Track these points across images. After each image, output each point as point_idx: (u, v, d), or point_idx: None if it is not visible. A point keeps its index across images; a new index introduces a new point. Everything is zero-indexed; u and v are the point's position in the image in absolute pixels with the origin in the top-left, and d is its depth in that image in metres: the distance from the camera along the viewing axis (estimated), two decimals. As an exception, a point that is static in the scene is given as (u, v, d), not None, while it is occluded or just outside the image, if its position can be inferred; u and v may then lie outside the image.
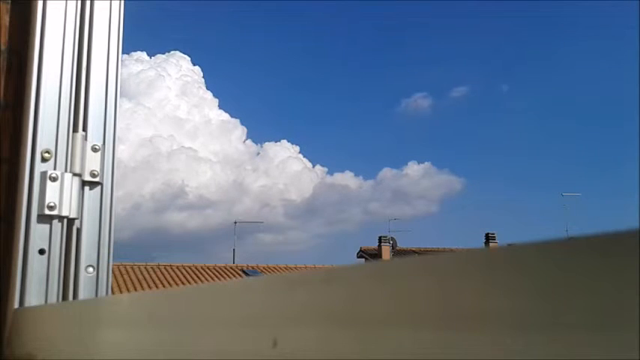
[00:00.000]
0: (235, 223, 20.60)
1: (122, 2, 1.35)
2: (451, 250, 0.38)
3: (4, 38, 1.28)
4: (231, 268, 17.59)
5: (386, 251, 19.85)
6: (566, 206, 19.78)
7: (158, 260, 17.13)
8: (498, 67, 31.90)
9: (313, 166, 31.22)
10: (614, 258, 0.26)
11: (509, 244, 0.32)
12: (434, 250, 17.28)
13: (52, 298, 1.15)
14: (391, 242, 20.34)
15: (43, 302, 1.13)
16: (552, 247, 0.29)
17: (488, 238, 19.96)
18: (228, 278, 15.09)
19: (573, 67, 30.81)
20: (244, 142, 31.53)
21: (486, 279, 0.32)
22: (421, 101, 32.23)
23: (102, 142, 1.26)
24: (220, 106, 31.01)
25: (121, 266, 15.68)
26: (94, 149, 1.25)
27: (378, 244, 20.55)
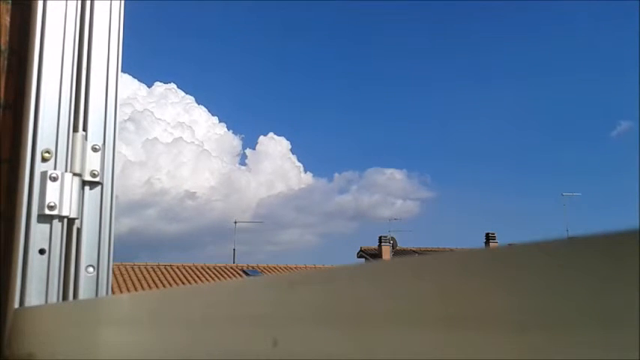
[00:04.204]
0: (235, 223, 20.63)
1: (122, 2, 1.35)
2: (451, 250, 0.37)
3: (4, 38, 1.28)
4: (231, 268, 17.59)
5: (386, 251, 19.86)
6: (566, 206, 19.82)
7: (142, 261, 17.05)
8: (493, 66, 31.87)
9: (306, 166, 31.30)
10: (614, 258, 0.26)
11: (509, 244, 0.32)
12: (434, 250, 17.28)
13: (52, 298, 1.15)
14: (391, 242, 20.35)
15: (43, 302, 1.13)
16: (552, 247, 0.29)
17: (489, 238, 19.97)
18: (228, 278, 15.09)
19: (572, 65, 30.85)
20: (236, 138, 31.60)
21: (486, 279, 0.32)
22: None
23: (102, 142, 1.26)
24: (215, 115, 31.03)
25: (121, 266, 15.69)
26: (94, 149, 1.25)
27: (378, 244, 20.56)
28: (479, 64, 32.42)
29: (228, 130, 31.54)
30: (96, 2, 1.32)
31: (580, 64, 31.07)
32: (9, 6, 1.30)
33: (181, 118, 29.42)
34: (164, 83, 30.38)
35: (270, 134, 31.45)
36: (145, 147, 27.63)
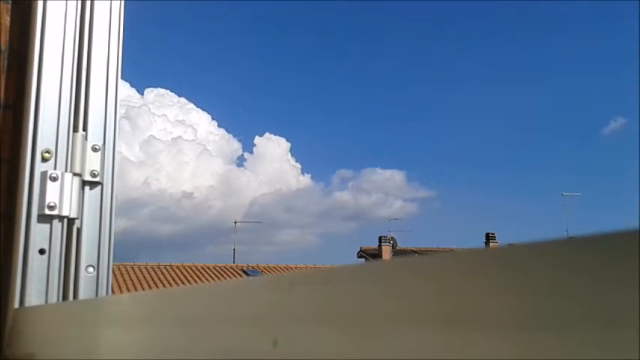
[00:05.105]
0: (235, 223, 20.63)
1: (122, 2, 1.35)
2: (451, 250, 0.37)
3: (4, 38, 1.28)
4: (231, 268, 17.60)
5: (386, 251, 19.86)
6: (566, 206, 19.85)
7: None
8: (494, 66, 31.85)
9: (305, 167, 31.28)
10: (614, 258, 0.26)
11: (509, 244, 0.32)
12: (434, 250, 17.29)
13: (52, 298, 1.15)
14: (391, 242, 20.35)
15: (43, 302, 1.13)
16: (552, 247, 0.29)
17: (489, 238, 19.98)
18: (228, 278, 15.09)
19: (568, 65, 30.87)
20: (234, 139, 31.59)
21: (486, 279, 0.32)
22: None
23: (102, 142, 1.26)
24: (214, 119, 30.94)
25: (121, 266, 15.69)
26: (94, 149, 1.25)
27: (378, 244, 20.56)
28: (477, 65, 32.43)
29: (226, 130, 31.59)
30: (96, 2, 1.32)
31: (574, 63, 31.13)
32: (9, 6, 1.30)
33: (179, 119, 29.45)
34: (156, 88, 30.41)
35: (270, 135, 31.50)
36: (142, 147, 27.67)
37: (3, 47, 1.28)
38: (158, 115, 28.81)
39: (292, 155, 31.27)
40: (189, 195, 28.79)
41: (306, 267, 17.19)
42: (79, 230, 1.21)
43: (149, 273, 16.08)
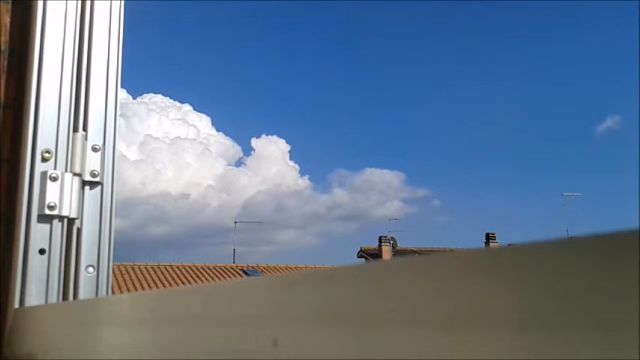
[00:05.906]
0: (235, 223, 20.62)
1: (122, 2, 1.35)
2: (451, 250, 0.37)
3: (4, 38, 1.28)
4: (231, 268, 17.59)
5: (386, 251, 19.87)
6: (566, 206, 19.87)
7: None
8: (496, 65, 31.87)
9: (303, 167, 31.32)
10: (614, 258, 0.26)
11: (509, 244, 0.32)
12: (434, 250, 17.28)
13: (52, 298, 1.15)
14: (391, 242, 20.35)
15: (43, 302, 1.13)
16: (552, 247, 0.29)
17: (489, 238, 19.99)
18: (228, 278, 15.09)
19: (565, 66, 30.90)
20: (233, 140, 31.63)
21: (486, 279, 0.32)
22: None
23: (102, 142, 1.26)
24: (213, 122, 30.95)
25: (121, 266, 15.69)
26: (94, 149, 1.25)
27: (378, 244, 20.57)
28: (475, 66, 32.43)
29: (225, 133, 31.60)
30: (96, 2, 1.32)
31: (572, 64, 31.19)
32: (9, 6, 1.30)
33: (177, 122, 29.45)
34: (148, 93, 30.40)
35: (268, 136, 31.53)
36: (140, 147, 27.71)
37: (3, 47, 1.28)
38: (156, 112, 28.86)
39: (291, 156, 31.33)
40: (186, 195, 28.83)
41: (306, 267, 17.19)
42: (79, 230, 1.21)
43: (149, 273, 16.08)
